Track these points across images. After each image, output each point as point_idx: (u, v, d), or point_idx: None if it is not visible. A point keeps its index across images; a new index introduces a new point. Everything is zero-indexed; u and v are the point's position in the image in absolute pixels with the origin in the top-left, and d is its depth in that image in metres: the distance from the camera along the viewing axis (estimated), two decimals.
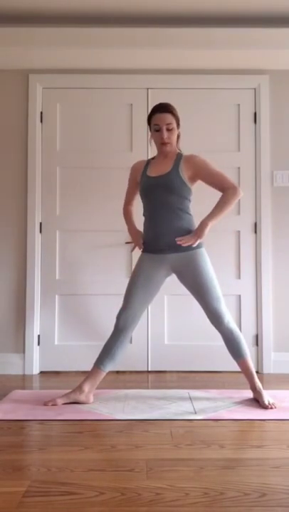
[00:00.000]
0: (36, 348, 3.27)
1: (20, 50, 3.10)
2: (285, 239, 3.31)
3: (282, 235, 3.31)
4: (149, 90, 3.35)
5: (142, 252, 2.56)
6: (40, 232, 3.32)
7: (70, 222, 3.32)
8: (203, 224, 2.41)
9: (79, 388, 2.45)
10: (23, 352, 3.24)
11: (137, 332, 3.23)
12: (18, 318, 3.27)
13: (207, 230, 2.41)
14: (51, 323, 3.29)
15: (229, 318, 2.46)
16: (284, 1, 2.92)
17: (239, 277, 3.32)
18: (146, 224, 2.55)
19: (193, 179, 2.50)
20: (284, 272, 3.30)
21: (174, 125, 2.48)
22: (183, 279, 2.50)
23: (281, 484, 1.54)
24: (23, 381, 3.03)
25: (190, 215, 2.51)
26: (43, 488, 1.51)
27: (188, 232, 2.46)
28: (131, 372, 3.24)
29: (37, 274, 3.29)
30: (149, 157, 3.12)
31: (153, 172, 2.51)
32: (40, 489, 1.50)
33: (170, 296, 3.27)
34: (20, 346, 3.26)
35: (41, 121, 3.36)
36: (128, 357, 3.09)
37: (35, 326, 3.26)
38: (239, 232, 3.33)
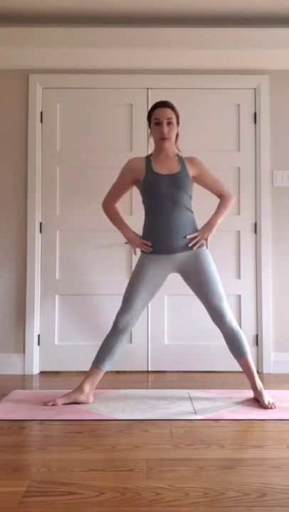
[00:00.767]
0: (36, 348, 3.27)
1: (21, 50, 3.11)
2: (285, 239, 3.31)
3: (282, 235, 3.31)
4: (149, 90, 3.35)
5: (144, 252, 2.50)
6: (40, 232, 3.32)
7: (70, 222, 3.32)
8: (212, 224, 2.50)
9: (79, 388, 2.45)
10: (23, 352, 3.24)
11: (137, 332, 3.23)
12: (18, 318, 3.27)
13: (214, 230, 2.51)
14: (51, 323, 3.29)
15: (231, 317, 2.47)
16: (284, 1, 2.92)
17: (239, 277, 3.32)
18: (151, 224, 2.49)
19: (194, 180, 2.52)
20: (284, 271, 3.30)
21: (174, 121, 2.49)
22: (188, 277, 2.49)
23: (281, 484, 1.54)
24: (23, 381, 3.03)
25: (193, 213, 2.53)
26: (42, 488, 1.51)
27: (194, 230, 2.49)
28: (131, 372, 3.23)
29: (37, 274, 3.29)
30: None
31: (161, 169, 2.48)
32: (40, 489, 1.50)
33: (170, 296, 3.27)
34: (20, 346, 3.26)
35: (41, 121, 3.36)
36: (128, 357, 3.10)
37: (35, 326, 3.26)
38: (239, 232, 3.33)
